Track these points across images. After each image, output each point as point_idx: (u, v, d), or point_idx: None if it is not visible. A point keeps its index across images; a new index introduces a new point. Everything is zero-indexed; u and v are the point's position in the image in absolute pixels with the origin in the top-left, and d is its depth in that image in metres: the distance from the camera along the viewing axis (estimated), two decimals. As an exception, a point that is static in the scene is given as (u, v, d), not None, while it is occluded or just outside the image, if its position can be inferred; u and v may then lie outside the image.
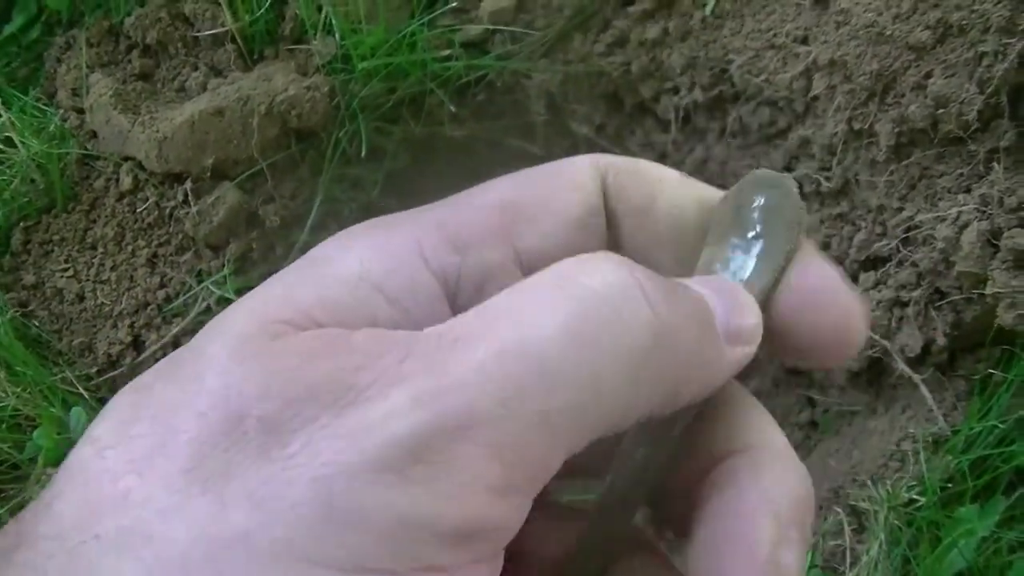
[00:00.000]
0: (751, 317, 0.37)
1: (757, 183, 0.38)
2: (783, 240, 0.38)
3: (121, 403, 0.32)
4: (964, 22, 1.32)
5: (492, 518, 0.29)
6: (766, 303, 0.38)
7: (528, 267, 0.37)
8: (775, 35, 1.49)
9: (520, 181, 0.39)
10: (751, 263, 0.37)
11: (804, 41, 1.46)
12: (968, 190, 1.34)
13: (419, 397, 0.28)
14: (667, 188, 0.40)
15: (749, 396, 0.40)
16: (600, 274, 0.32)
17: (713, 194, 0.40)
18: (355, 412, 0.28)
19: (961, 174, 1.36)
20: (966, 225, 1.31)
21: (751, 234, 0.37)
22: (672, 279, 0.35)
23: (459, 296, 0.36)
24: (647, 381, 0.32)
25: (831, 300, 0.37)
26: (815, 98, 1.46)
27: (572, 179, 0.39)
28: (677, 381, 0.33)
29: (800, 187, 0.38)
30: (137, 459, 0.30)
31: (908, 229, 1.38)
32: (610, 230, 0.40)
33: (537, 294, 0.31)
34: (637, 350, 0.31)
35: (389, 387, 0.29)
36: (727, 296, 0.36)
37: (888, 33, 1.37)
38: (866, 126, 1.41)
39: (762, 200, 0.38)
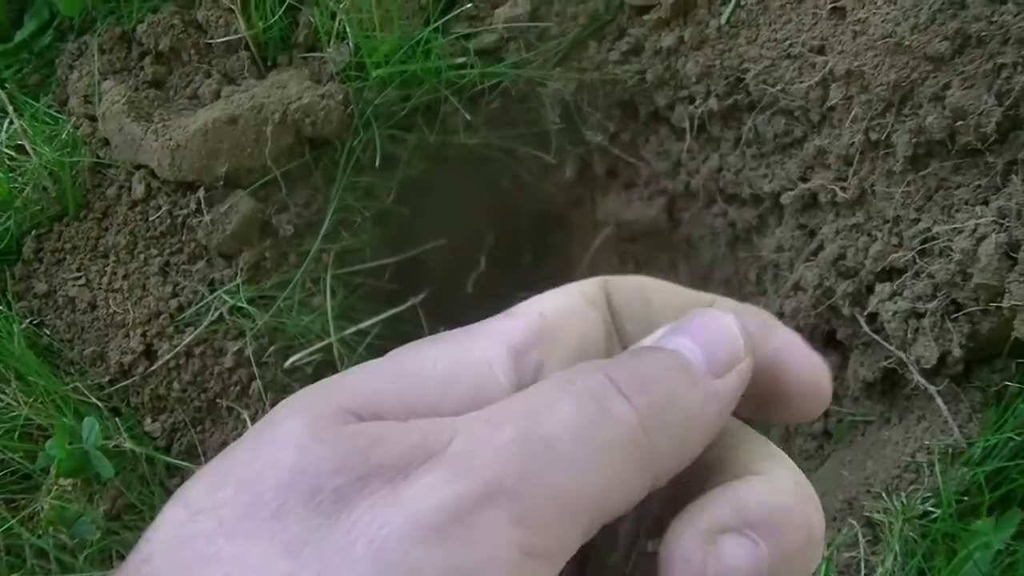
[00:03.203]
0: (730, 343, 0.42)
1: None
2: None
3: (209, 470, 0.38)
4: (983, 33, 1.31)
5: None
6: None
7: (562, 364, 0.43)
8: (791, 44, 1.48)
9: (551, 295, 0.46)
10: None
11: (821, 51, 1.46)
12: (986, 202, 1.34)
13: (456, 472, 0.35)
14: (657, 294, 0.47)
15: (751, 431, 0.44)
16: (585, 377, 0.39)
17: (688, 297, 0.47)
18: (408, 484, 0.35)
19: (978, 186, 1.35)
20: (984, 237, 1.31)
21: None
22: (646, 346, 0.42)
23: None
24: (643, 462, 0.38)
25: (799, 358, 0.42)
26: (831, 108, 1.45)
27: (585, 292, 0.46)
28: (676, 443, 0.39)
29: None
30: (226, 523, 0.35)
31: (925, 240, 1.38)
32: (615, 320, 0.47)
33: (546, 392, 0.38)
34: (627, 442, 0.37)
35: (436, 464, 0.35)
36: (705, 332, 0.42)
37: (906, 44, 1.36)
38: (883, 137, 1.40)
39: None
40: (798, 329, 1.55)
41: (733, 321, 0.42)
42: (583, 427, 0.36)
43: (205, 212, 1.54)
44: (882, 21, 1.39)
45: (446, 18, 1.59)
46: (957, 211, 1.36)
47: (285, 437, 0.37)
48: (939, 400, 1.38)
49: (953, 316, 1.36)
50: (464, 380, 0.40)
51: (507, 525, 0.34)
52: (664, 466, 0.38)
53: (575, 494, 0.35)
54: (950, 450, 1.36)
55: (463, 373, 0.41)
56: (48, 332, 1.55)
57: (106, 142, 1.60)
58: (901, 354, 1.40)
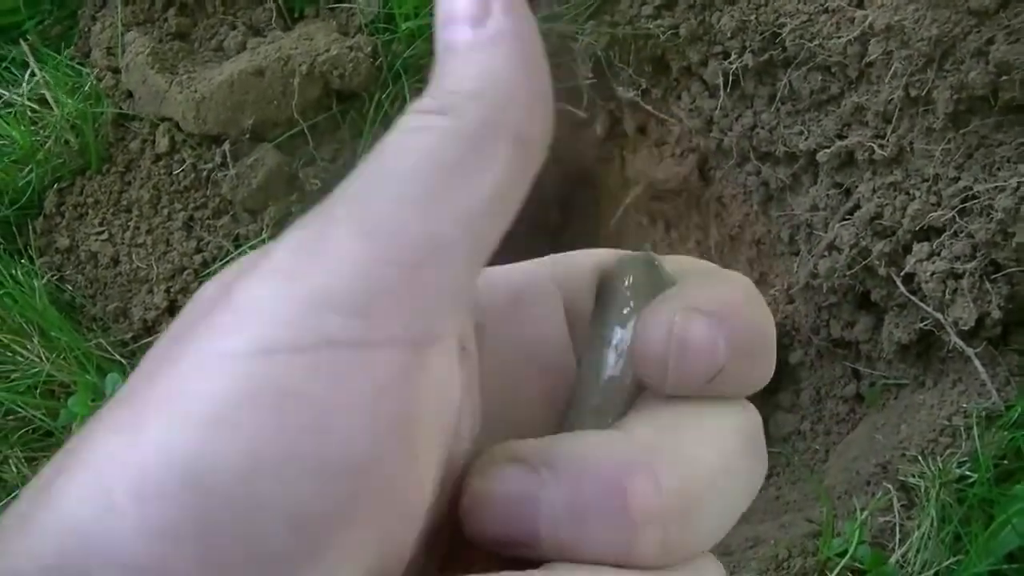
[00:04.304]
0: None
1: (623, 263, 0.43)
2: None
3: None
4: (1030, -14, 1.29)
5: None
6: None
7: None
8: (829, -1, 1.45)
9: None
10: (629, 335, 0.40)
11: (860, 5, 1.43)
12: (1030, 160, 1.32)
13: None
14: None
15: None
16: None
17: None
18: None
19: (1022, 143, 1.32)
20: (1027, 196, 1.29)
21: (625, 310, 0.41)
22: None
23: None
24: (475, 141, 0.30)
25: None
26: (870, 64, 1.42)
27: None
28: (487, 101, 0.30)
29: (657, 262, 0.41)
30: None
31: (965, 199, 1.35)
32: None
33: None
34: (439, 135, 0.30)
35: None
36: None
37: (949, -3, 1.34)
38: (923, 93, 1.38)
39: (631, 279, 0.42)
40: (832, 291, 1.52)
41: None
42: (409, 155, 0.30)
43: (230, 166, 1.51)
44: (925, -26, 1.37)
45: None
46: (999, 169, 1.34)
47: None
48: (976, 363, 1.36)
49: (992, 277, 1.34)
50: None
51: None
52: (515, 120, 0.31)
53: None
54: (987, 414, 1.34)
55: None
56: (70, 287, 1.54)
57: (129, 95, 1.58)
58: (938, 315, 1.38)
